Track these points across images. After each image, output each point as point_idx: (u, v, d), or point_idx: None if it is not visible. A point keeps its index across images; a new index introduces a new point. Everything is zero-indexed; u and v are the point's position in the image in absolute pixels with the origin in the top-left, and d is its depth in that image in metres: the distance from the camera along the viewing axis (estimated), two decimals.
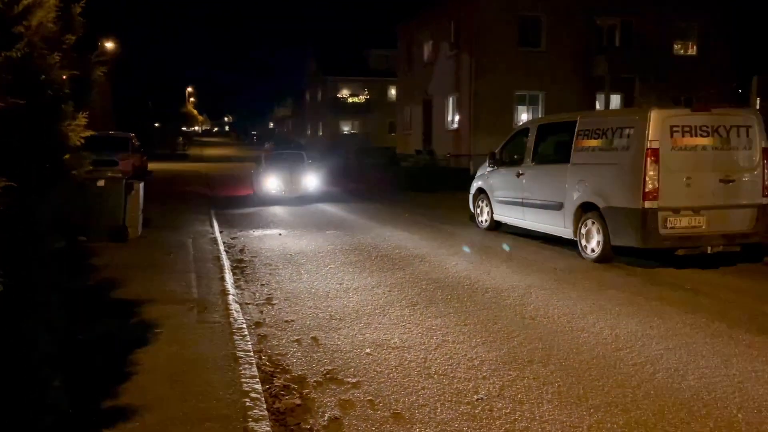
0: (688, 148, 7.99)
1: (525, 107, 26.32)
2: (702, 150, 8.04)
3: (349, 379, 4.58)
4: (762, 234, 8.28)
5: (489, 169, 11.79)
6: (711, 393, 4.28)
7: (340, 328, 5.80)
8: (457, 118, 28.01)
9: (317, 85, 57.38)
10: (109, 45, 31.40)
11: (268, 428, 3.63)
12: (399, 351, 5.18)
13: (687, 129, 7.98)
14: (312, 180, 17.27)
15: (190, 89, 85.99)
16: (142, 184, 10.35)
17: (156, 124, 59.12)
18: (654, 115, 7.89)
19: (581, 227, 8.88)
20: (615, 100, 26.47)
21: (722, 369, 4.71)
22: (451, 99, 28.45)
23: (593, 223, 8.63)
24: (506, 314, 6.23)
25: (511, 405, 4.11)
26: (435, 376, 4.62)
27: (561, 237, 9.47)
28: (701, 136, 8.01)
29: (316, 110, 59.06)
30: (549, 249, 9.71)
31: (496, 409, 4.04)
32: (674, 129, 7.93)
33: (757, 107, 33.77)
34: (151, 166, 26.40)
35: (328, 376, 4.65)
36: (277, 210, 15.45)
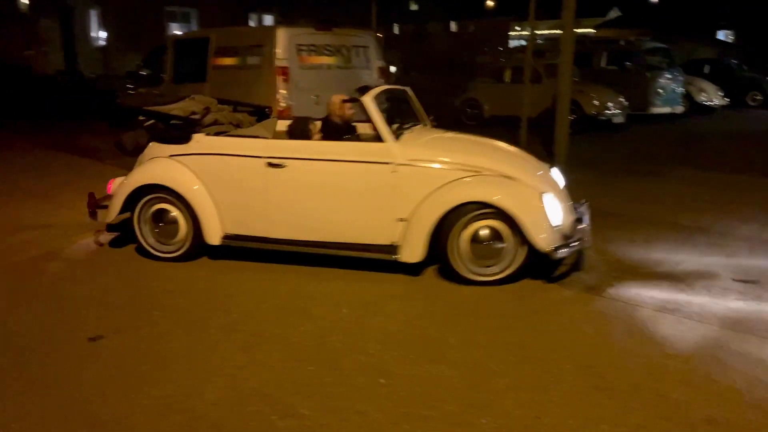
0: (315, 66, 8.36)
1: (178, 24, 25.07)
2: (327, 69, 8.48)
3: None
4: None
5: (129, 90, 10.94)
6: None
7: None
8: (103, 34, 25.43)
9: None
10: None
11: None
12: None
13: (313, 48, 8.32)
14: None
15: None
16: None
17: None
18: (280, 33, 8.03)
19: None
20: (268, 20, 26.78)
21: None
22: (93, 12, 25.59)
23: None
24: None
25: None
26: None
27: None
28: (326, 55, 8.44)
29: None
30: None
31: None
32: (301, 48, 8.18)
33: (396, 32, 37.51)
34: None
35: None
36: None
